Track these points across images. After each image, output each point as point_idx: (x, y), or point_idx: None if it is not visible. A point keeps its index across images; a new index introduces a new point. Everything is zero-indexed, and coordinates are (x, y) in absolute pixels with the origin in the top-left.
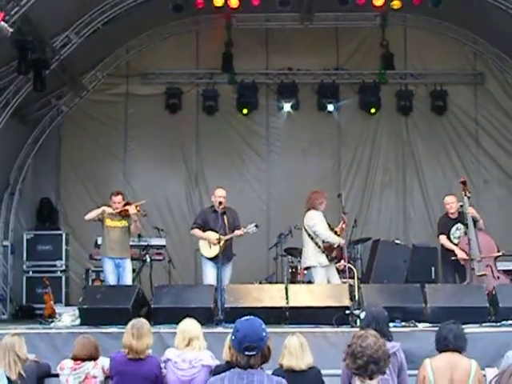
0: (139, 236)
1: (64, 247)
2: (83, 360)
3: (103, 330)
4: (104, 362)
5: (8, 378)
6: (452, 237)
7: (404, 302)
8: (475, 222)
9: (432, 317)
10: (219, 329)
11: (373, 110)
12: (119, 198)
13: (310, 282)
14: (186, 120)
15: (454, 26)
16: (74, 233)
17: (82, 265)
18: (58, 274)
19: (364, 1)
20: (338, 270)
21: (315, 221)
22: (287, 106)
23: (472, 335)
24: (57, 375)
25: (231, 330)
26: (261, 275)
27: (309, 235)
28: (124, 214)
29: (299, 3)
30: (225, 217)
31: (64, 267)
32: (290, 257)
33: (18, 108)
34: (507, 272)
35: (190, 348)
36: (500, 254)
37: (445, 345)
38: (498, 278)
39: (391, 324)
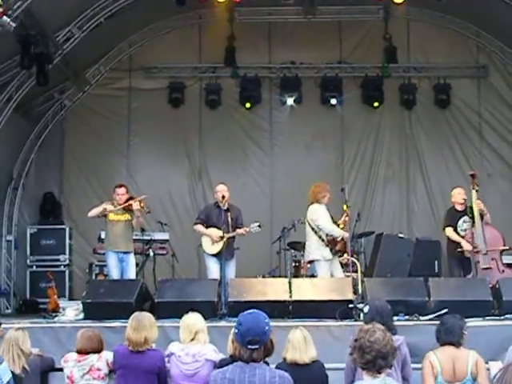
0: (142, 230)
1: (67, 242)
2: (87, 353)
3: (107, 324)
4: (108, 355)
5: (12, 372)
6: (459, 229)
7: (407, 296)
8: (482, 215)
9: (435, 310)
10: (223, 323)
11: (376, 104)
12: (123, 189)
13: (313, 276)
14: (188, 114)
15: (457, 19)
16: (78, 227)
17: (85, 259)
18: (62, 268)
19: None
20: (341, 263)
21: (318, 214)
22: (290, 100)
23: (475, 329)
24: (61, 369)
25: (235, 324)
26: (264, 269)
27: (312, 229)
28: (127, 208)
29: None
30: (228, 214)
31: (67, 261)
32: (293, 251)
33: (21, 103)
34: None
35: (194, 342)
36: (506, 247)
37: (438, 338)
38: (503, 271)
39: (395, 318)
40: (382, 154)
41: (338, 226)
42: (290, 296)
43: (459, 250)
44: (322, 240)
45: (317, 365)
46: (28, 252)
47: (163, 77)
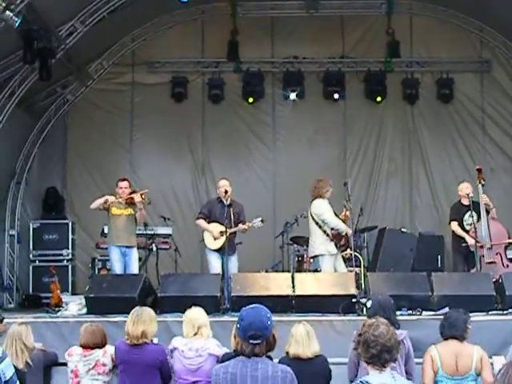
0: (145, 225)
1: (70, 236)
2: (92, 348)
3: (109, 318)
4: (112, 350)
5: (15, 367)
6: (465, 223)
7: (410, 291)
8: (488, 210)
9: (438, 305)
10: (226, 317)
11: (379, 99)
12: (125, 183)
13: (316, 271)
14: (191, 109)
15: (460, 13)
16: (80, 222)
17: (88, 254)
18: (65, 263)
19: None
20: (344, 258)
21: (323, 209)
22: (293, 95)
23: (478, 323)
24: (64, 364)
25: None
26: (267, 264)
27: (316, 223)
28: (129, 202)
29: None
30: (231, 209)
31: (70, 256)
32: (296, 245)
33: (24, 97)
34: None
35: (197, 336)
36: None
37: (442, 332)
38: (507, 266)
39: (397, 312)
40: (384, 149)
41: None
42: (293, 291)
43: (464, 244)
44: (327, 235)
45: (320, 359)
46: (31, 247)
47: (166, 71)
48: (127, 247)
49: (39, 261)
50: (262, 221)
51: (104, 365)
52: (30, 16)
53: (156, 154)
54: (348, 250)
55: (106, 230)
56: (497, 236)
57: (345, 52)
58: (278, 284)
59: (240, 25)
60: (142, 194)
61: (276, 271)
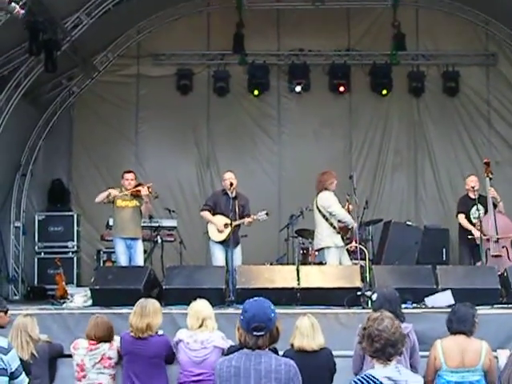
0: (150, 217)
1: (75, 228)
2: (98, 341)
3: (115, 310)
4: (118, 342)
5: (20, 359)
6: (472, 217)
7: (415, 284)
8: (495, 203)
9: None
10: (231, 310)
11: (384, 92)
12: (131, 175)
13: (320, 264)
14: (197, 101)
15: (465, 6)
16: (86, 214)
17: (93, 246)
18: (70, 255)
19: None
20: (348, 251)
21: (331, 201)
22: (298, 88)
23: (484, 317)
24: (69, 356)
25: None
26: (272, 257)
27: (323, 216)
28: (135, 194)
29: None
30: (236, 201)
31: (75, 248)
32: (301, 238)
33: (30, 89)
34: None
35: (202, 329)
36: None
37: (449, 327)
38: None
39: (402, 305)
40: (390, 142)
41: None
42: (298, 283)
43: (470, 236)
44: (334, 227)
45: (325, 352)
46: (36, 239)
47: (171, 64)
48: (132, 239)
49: (44, 253)
50: (266, 214)
51: (110, 358)
52: (35, 8)
53: (161, 146)
54: (353, 242)
55: (111, 223)
56: (503, 229)
57: (350, 45)
58: (283, 276)
59: (245, 17)
60: (148, 188)
61: (281, 264)
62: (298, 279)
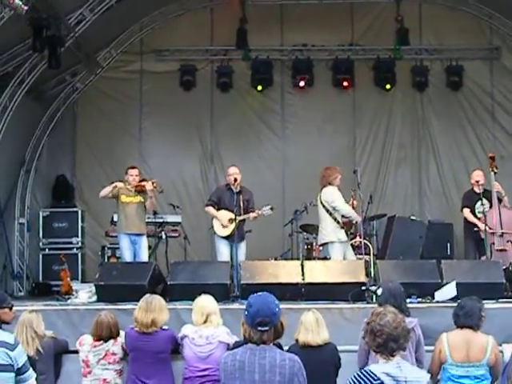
0: (155, 213)
1: (80, 224)
2: (104, 340)
3: (119, 306)
4: (123, 338)
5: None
6: (476, 211)
7: (420, 278)
8: (500, 198)
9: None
10: (235, 305)
11: (388, 86)
12: (135, 171)
13: (325, 259)
14: (200, 97)
15: (469, 0)
16: (90, 210)
17: (97, 242)
18: (74, 251)
19: None
20: (353, 246)
21: (335, 196)
22: (302, 83)
23: (488, 311)
24: (75, 351)
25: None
26: (276, 252)
27: (327, 211)
28: (139, 190)
29: None
30: (240, 196)
31: (80, 244)
32: (305, 233)
33: (33, 86)
34: None
35: (207, 324)
36: None
37: (456, 321)
38: None
39: (407, 300)
40: (394, 137)
41: None
42: (303, 278)
43: (475, 229)
44: (338, 222)
45: (329, 347)
46: (41, 235)
47: (175, 59)
48: (137, 235)
49: (49, 249)
50: (271, 209)
51: (114, 354)
52: (39, 4)
53: (165, 141)
54: (357, 237)
55: (115, 218)
56: (508, 224)
57: (354, 39)
58: (287, 272)
59: (249, 12)
60: (153, 183)
61: (285, 259)
62: (303, 274)
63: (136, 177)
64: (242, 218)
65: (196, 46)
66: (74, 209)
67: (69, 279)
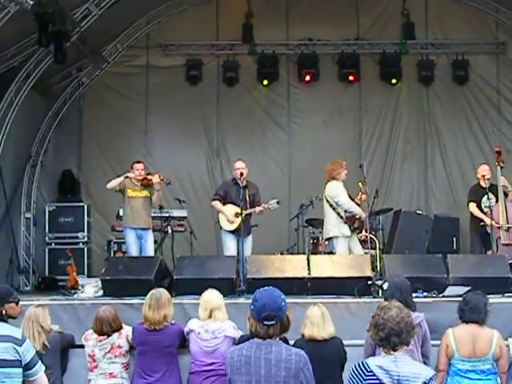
0: (161, 207)
1: (86, 219)
2: (108, 334)
3: (126, 301)
4: (128, 331)
5: None
6: (483, 206)
7: (426, 273)
8: (506, 192)
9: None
10: (241, 300)
11: (394, 81)
12: (141, 165)
13: (331, 253)
14: (206, 91)
15: None
16: (96, 204)
17: (103, 236)
18: (80, 245)
19: None
20: (359, 240)
21: (337, 191)
22: (308, 77)
23: (494, 305)
24: (81, 346)
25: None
26: (282, 246)
27: (330, 206)
28: (146, 184)
29: None
30: (246, 190)
31: (86, 239)
32: (311, 228)
33: (39, 80)
34: None
35: (212, 319)
36: None
37: (461, 316)
38: None
39: (413, 294)
40: (399, 131)
41: (356, 203)
42: (309, 273)
43: (482, 223)
44: (341, 217)
45: (335, 341)
46: (47, 229)
47: (181, 54)
48: (143, 229)
49: (55, 243)
50: (277, 202)
51: (120, 347)
52: None
53: (171, 136)
54: (363, 232)
55: (121, 213)
56: None
57: (360, 34)
58: (293, 266)
59: (255, 7)
60: (160, 176)
61: (291, 253)
62: (309, 269)
63: (142, 171)
64: (248, 211)
65: (202, 41)
66: (80, 203)
67: (75, 274)
